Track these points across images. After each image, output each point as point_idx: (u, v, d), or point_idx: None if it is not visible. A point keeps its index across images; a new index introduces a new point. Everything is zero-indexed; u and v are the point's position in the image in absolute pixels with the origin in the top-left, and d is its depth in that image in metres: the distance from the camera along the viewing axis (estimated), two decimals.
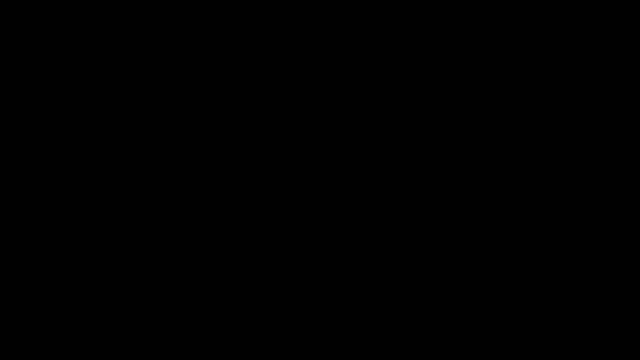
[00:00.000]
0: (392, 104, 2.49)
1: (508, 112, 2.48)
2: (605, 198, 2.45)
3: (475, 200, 2.46)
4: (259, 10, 2.50)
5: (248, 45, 2.50)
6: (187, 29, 2.50)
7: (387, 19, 2.50)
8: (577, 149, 2.46)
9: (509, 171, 2.46)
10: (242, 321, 2.44)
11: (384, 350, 2.43)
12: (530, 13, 2.48)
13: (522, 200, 2.46)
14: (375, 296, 2.45)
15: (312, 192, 2.47)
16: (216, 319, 2.44)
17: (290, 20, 2.50)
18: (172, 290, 2.45)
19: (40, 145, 2.47)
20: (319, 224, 2.47)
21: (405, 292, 2.45)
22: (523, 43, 2.48)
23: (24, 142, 2.47)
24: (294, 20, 2.50)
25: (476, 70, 2.48)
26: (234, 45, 2.50)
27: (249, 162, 2.48)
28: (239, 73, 2.50)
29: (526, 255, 2.44)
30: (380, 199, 2.47)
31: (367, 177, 2.48)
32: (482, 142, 2.47)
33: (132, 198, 2.47)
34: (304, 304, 2.45)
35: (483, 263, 2.45)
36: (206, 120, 2.49)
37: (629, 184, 2.44)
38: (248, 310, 2.45)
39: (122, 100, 2.49)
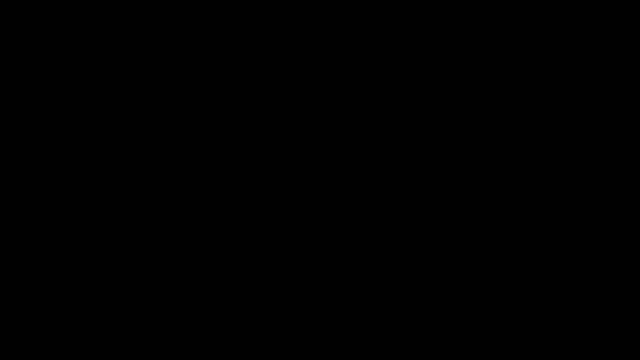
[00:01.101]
0: (392, 104, 2.49)
1: (508, 112, 2.48)
2: (605, 198, 2.45)
3: (475, 200, 2.46)
4: (259, 10, 2.50)
5: (248, 46, 2.50)
6: (187, 29, 2.50)
7: (387, 19, 2.50)
8: (577, 149, 2.46)
9: (509, 171, 2.46)
10: (242, 321, 2.44)
11: (384, 350, 2.43)
12: (530, 13, 2.48)
13: (522, 200, 2.46)
14: (375, 296, 2.45)
15: (312, 192, 2.48)
16: (216, 319, 2.44)
17: (290, 21, 2.50)
18: (172, 290, 2.45)
19: (40, 145, 2.47)
20: (319, 224, 2.47)
21: (405, 292, 2.45)
22: (523, 43, 2.48)
23: (24, 142, 2.47)
24: (294, 20, 2.50)
25: (476, 71, 2.49)
26: (234, 45, 2.50)
27: (249, 162, 2.48)
28: (239, 73, 2.50)
29: (526, 256, 2.45)
30: (380, 199, 2.47)
31: (367, 177, 2.48)
32: (482, 142, 2.48)
33: (132, 198, 2.47)
34: (304, 304, 2.45)
35: (483, 263, 2.45)
36: (206, 120, 2.49)
37: (629, 184, 2.45)
38: (248, 311, 2.45)
39: (122, 100, 2.49)
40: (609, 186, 2.45)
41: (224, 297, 2.45)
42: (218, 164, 2.48)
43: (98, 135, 2.48)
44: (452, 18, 2.49)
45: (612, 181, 2.45)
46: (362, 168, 2.48)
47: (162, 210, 2.47)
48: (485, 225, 2.46)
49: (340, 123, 2.49)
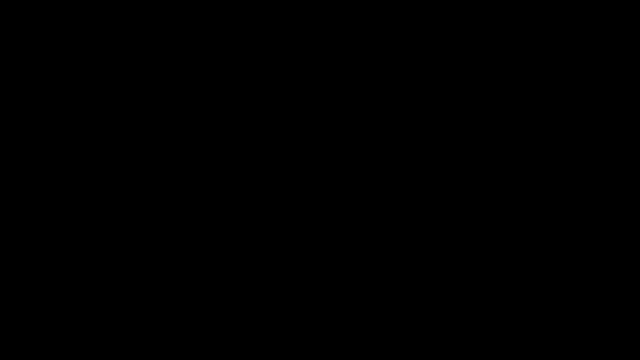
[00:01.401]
0: (392, 104, 2.49)
1: (508, 112, 2.48)
2: (605, 198, 2.45)
3: (475, 200, 2.46)
4: (259, 10, 2.50)
5: (248, 45, 2.50)
6: (187, 29, 2.50)
7: (387, 19, 2.50)
8: (577, 149, 2.46)
9: (509, 171, 2.46)
10: (242, 321, 2.45)
11: (384, 351, 2.43)
12: (530, 13, 2.48)
13: (522, 201, 2.46)
14: (375, 296, 2.45)
15: (312, 192, 2.48)
16: (216, 319, 2.44)
17: (290, 21, 2.50)
18: (172, 291, 2.45)
19: (40, 145, 2.47)
20: (319, 224, 2.47)
21: (405, 292, 2.45)
22: (523, 43, 2.48)
23: (24, 142, 2.47)
24: (294, 20, 2.50)
25: (476, 71, 2.49)
26: (234, 45, 2.50)
27: (249, 162, 2.48)
28: (239, 73, 2.50)
29: (526, 256, 2.45)
30: (380, 199, 2.47)
31: (367, 177, 2.48)
32: (482, 142, 2.48)
33: (132, 198, 2.47)
34: (304, 304, 2.45)
35: (483, 263, 2.45)
36: (206, 120, 2.49)
37: (629, 184, 2.45)
38: (248, 311, 2.45)
39: (122, 100, 2.49)
40: (609, 186, 2.45)
41: (224, 297, 2.45)
42: (218, 164, 2.48)
43: (98, 135, 2.48)
44: (452, 18, 2.49)
45: (612, 181, 2.45)
46: (362, 168, 2.48)
47: (162, 210, 2.47)
48: (485, 226, 2.46)
49: (340, 123, 2.49)
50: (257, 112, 2.50)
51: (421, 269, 2.45)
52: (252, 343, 2.44)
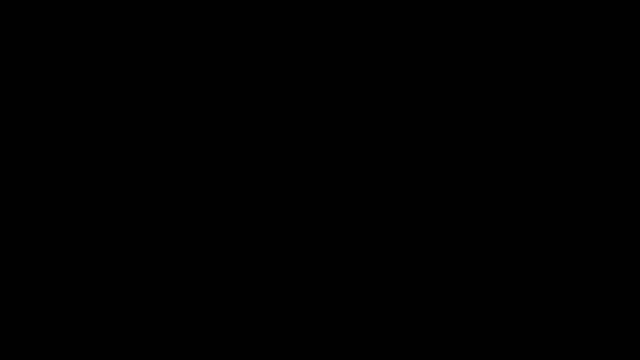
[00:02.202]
0: (392, 104, 2.49)
1: (508, 112, 2.48)
2: (605, 198, 2.45)
3: (475, 200, 2.46)
4: (259, 10, 2.50)
5: (248, 46, 2.50)
6: (187, 29, 2.50)
7: (387, 19, 2.50)
8: (577, 149, 2.47)
9: (509, 171, 2.47)
10: (242, 321, 2.45)
11: (384, 351, 2.43)
12: (530, 13, 2.48)
13: (522, 201, 2.46)
14: (375, 296, 2.45)
15: (312, 192, 2.48)
16: (216, 319, 2.44)
17: (290, 20, 2.50)
18: (172, 291, 2.45)
19: (40, 145, 2.47)
20: (319, 224, 2.47)
21: (405, 292, 2.45)
22: (523, 43, 2.48)
23: (24, 142, 2.47)
24: (294, 20, 2.50)
25: (476, 71, 2.49)
26: (234, 45, 2.51)
27: (249, 162, 2.48)
28: (239, 73, 2.50)
29: (526, 256, 2.45)
30: (380, 199, 2.47)
31: (367, 177, 2.48)
32: (482, 142, 2.48)
33: (132, 198, 2.47)
34: (304, 304, 2.45)
35: (483, 263, 2.45)
36: (206, 120, 2.49)
37: (629, 184, 2.45)
38: (248, 311, 2.45)
39: (122, 100, 2.49)
40: (609, 186, 2.46)
41: (224, 297, 2.45)
42: (218, 164, 2.48)
43: (98, 135, 2.48)
44: (452, 18, 2.49)
45: (612, 181, 2.45)
46: (363, 168, 2.48)
47: (162, 210, 2.47)
48: (485, 226, 2.46)
49: (341, 123, 2.49)
50: (256, 112, 2.50)
51: (421, 269, 2.46)
52: (252, 343, 2.44)
